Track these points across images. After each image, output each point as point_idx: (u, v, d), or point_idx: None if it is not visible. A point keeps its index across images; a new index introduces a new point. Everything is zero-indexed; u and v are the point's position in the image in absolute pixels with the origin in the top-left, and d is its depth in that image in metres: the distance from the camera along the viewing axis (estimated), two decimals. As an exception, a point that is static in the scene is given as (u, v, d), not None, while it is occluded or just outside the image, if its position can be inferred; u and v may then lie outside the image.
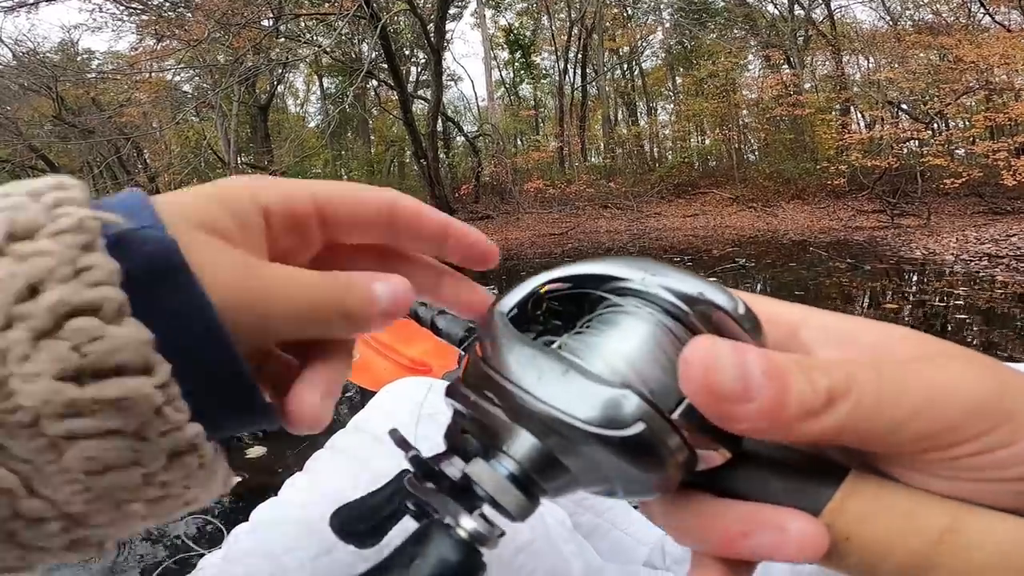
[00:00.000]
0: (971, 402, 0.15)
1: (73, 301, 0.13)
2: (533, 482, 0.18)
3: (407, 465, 0.21)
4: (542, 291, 0.21)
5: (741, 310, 0.17)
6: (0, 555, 0.15)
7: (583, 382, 0.16)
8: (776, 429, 0.15)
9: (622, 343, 0.18)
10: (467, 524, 0.17)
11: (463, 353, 0.56)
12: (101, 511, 0.15)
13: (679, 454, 0.16)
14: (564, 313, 0.21)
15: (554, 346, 0.19)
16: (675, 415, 0.16)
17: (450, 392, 0.20)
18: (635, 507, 0.76)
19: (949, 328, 3.36)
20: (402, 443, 0.22)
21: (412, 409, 0.63)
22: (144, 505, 0.16)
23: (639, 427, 0.16)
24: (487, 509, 0.18)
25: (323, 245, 0.23)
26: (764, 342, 0.18)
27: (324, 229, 0.22)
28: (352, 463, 0.56)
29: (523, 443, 0.17)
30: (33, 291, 0.13)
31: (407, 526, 0.20)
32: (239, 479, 2.00)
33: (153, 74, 13.20)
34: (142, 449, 0.14)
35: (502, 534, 0.18)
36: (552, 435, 0.17)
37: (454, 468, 0.19)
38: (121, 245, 0.15)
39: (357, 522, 0.26)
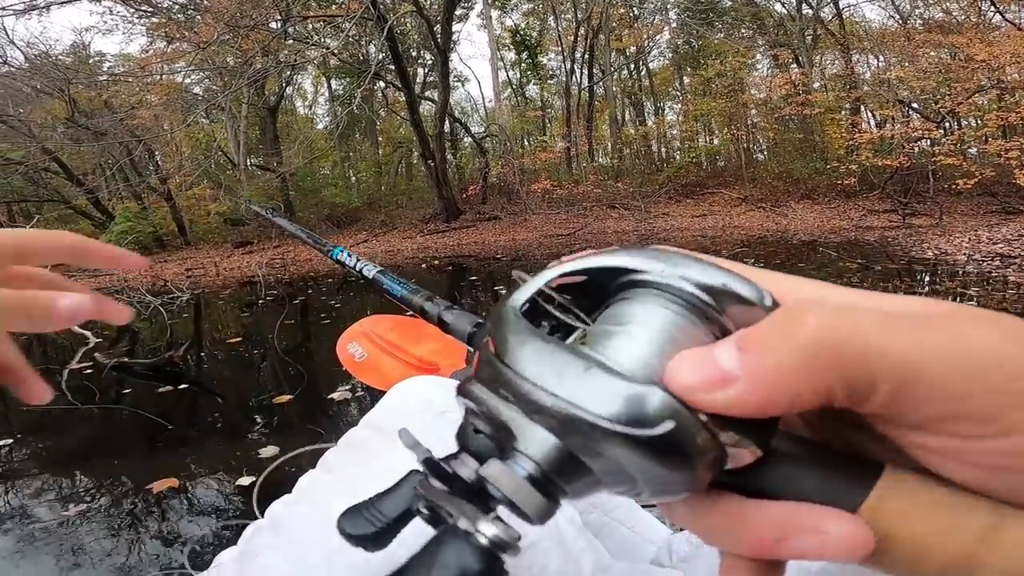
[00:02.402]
0: (1014, 364, 0.13)
1: None
2: (552, 483, 0.17)
3: (418, 465, 0.20)
4: (554, 284, 0.20)
5: (768, 301, 0.17)
6: None
7: (606, 378, 0.15)
8: (781, 391, 0.14)
9: (644, 337, 0.17)
10: (487, 530, 0.16)
11: (472, 350, 0.55)
12: None
13: (709, 452, 0.15)
14: (579, 304, 0.20)
15: (571, 341, 0.19)
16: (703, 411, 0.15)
17: (462, 390, 0.19)
18: (644, 507, 0.76)
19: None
20: (413, 445, 0.21)
21: (423, 407, 0.63)
22: None
23: (668, 425, 0.15)
24: (503, 511, 0.17)
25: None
26: None
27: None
28: (366, 459, 0.56)
29: (542, 442, 0.16)
30: None
31: (419, 528, 0.20)
32: (252, 478, 2.01)
33: (164, 76, 13.32)
34: None
35: (519, 538, 0.17)
36: (574, 434, 0.16)
37: (467, 469, 0.18)
38: None
39: (365, 525, 0.24)
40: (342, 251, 0.87)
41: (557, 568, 0.45)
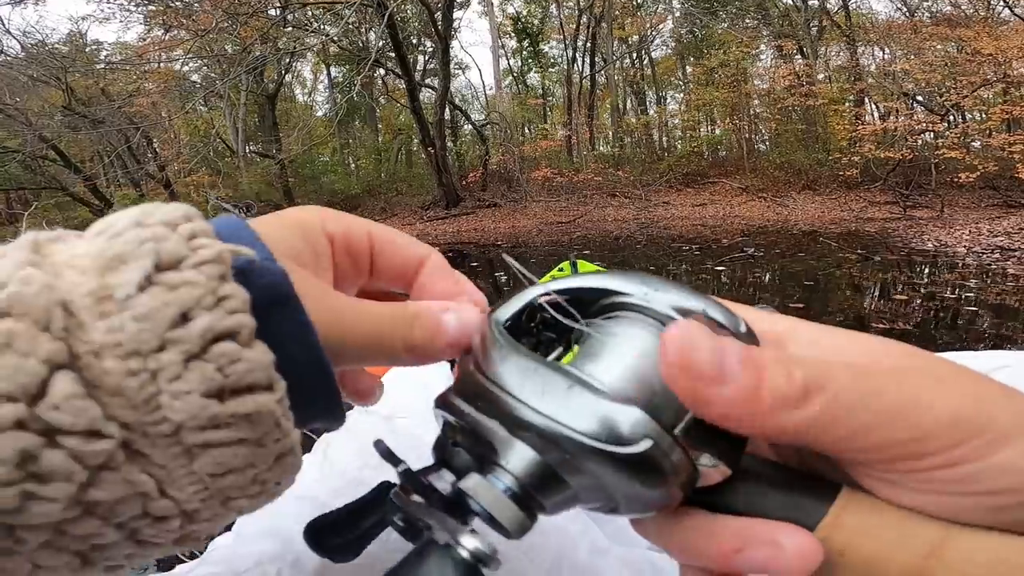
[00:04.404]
0: (946, 413, 0.15)
1: (218, 328, 0.15)
2: (531, 498, 0.17)
3: (394, 477, 0.20)
4: (539, 302, 0.20)
5: (743, 328, 0.17)
6: (114, 552, 0.16)
7: (588, 397, 0.16)
8: (750, 417, 0.15)
9: (625, 358, 0.17)
10: (468, 543, 0.17)
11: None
12: (212, 507, 0.17)
13: (682, 471, 0.16)
14: (560, 325, 0.20)
15: (552, 357, 0.19)
16: (678, 431, 0.16)
17: (442, 403, 0.19)
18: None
19: (960, 321, 3.33)
20: (388, 456, 0.21)
21: (419, 390, 0.64)
22: (247, 500, 0.17)
23: (646, 444, 0.15)
24: (479, 524, 0.18)
25: (365, 281, 0.25)
26: None
27: (371, 266, 0.24)
28: (362, 443, 0.57)
29: (522, 457, 0.17)
30: (184, 318, 0.15)
31: (387, 538, 0.20)
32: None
33: (161, 64, 13.22)
34: (258, 454, 0.16)
35: (497, 552, 0.17)
36: (554, 450, 0.16)
37: (444, 482, 0.18)
38: (243, 274, 0.16)
39: (334, 535, 0.24)
40: None
41: (553, 551, 0.46)
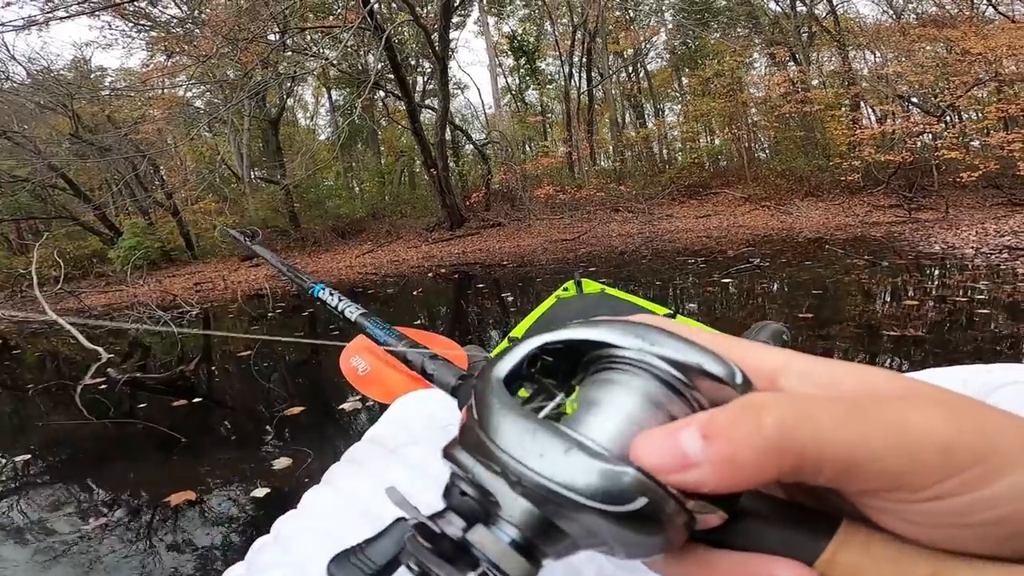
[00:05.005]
0: (944, 442, 0.15)
1: None
2: (535, 547, 0.18)
3: (404, 514, 0.21)
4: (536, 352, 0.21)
5: (739, 379, 0.18)
6: None
7: (585, 459, 0.17)
8: (735, 481, 0.16)
9: (619, 416, 0.18)
10: None
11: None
12: None
13: (678, 519, 0.17)
14: (560, 370, 0.21)
15: (546, 412, 0.21)
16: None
17: (447, 455, 0.20)
18: None
19: (974, 323, 3.30)
20: (403, 504, 0.22)
21: (426, 421, 0.64)
22: None
23: (641, 501, 0.16)
24: (487, 569, 0.19)
25: None
26: None
27: None
28: (369, 474, 0.57)
29: (525, 512, 0.18)
30: None
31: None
32: (266, 490, 2.02)
33: (165, 90, 13.42)
34: None
35: None
36: (553, 507, 0.17)
37: (454, 528, 0.19)
38: None
39: (355, 571, 0.26)
40: (323, 289, 0.83)
41: (560, 576, 0.46)
